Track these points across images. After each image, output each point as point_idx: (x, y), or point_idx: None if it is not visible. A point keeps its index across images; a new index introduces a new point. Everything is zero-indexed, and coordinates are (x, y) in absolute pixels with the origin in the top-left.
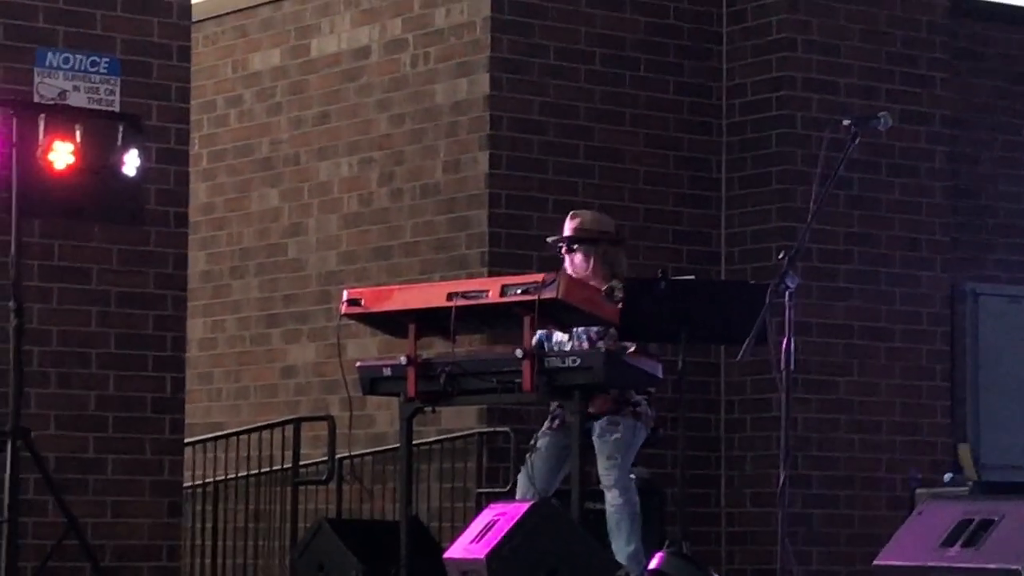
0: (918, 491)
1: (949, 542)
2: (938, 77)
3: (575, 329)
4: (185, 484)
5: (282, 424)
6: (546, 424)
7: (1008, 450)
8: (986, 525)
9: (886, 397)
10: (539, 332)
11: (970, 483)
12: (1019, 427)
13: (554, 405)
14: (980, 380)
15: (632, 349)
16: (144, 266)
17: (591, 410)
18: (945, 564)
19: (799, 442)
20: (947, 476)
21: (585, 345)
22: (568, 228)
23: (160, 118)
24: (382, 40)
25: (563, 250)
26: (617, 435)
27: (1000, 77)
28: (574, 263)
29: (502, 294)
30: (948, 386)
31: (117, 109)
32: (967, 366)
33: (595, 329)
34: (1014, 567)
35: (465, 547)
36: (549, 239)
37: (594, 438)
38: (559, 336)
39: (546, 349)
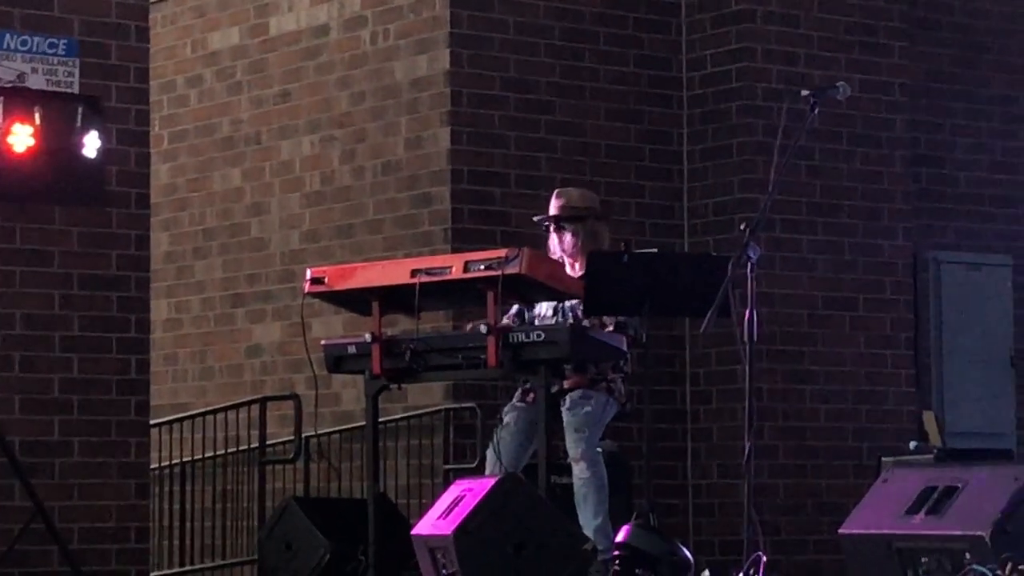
0: (883, 459)
1: (914, 509)
2: (897, 46)
3: (563, 304)
4: (152, 465)
5: (248, 404)
6: (515, 398)
7: (972, 417)
8: (950, 492)
9: (850, 366)
10: (516, 306)
11: (935, 450)
12: (983, 393)
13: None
14: (944, 347)
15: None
16: (106, 248)
17: (565, 384)
18: (910, 531)
19: (764, 413)
20: (912, 444)
21: (571, 321)
22: (555, 207)
23: (120, 99)
24: (341, 18)
25: (551, 228)
26: (588, 408)
27: (958, 45)
28: (563, 241)
29: (465, 270)
30: (912, 354)
31: (76, 91)
32: (930, 334)
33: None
34: (978, 533)
35: (432, 523)
36: (536, 218)
37: (564, 410)
38: (542, 309)
39: (526, 320)
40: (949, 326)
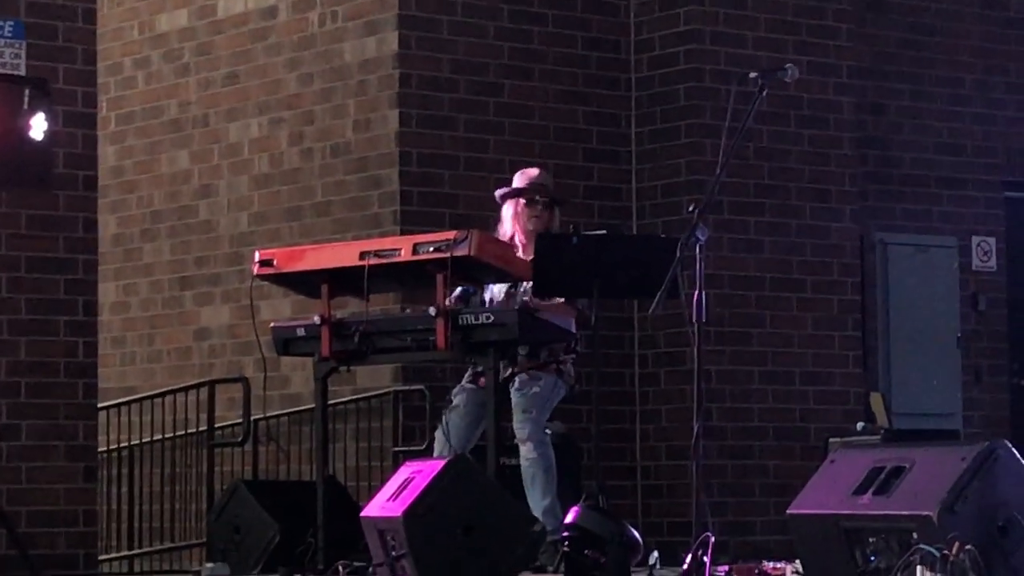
0: (831, 440)
1: (861, 490)
2: (844, 28)
3: (521, 287)
4: (100, 448)
5: (196, 387)
6: (464, 379)
7: (919, 398)
8: (897, 472)
9: (798, 348)
10: (460, 288)
11: (882, 431)
12: (929, 375)
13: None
14: (891, 329)
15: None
16: (54, 230)
17: (516, 370)
18: (857, 511)
19: (713, 394)
20: (859, 425)
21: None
22: (537, 180)
23: (67, 81)
24: None
25: (538, 203)
26: (536, 389)
27: (905, 28)
28: (539, 216)
29: (415, 252)
30: (859, 336)
31: (23, 73)
32: (877, 315)
33: None
34: (925, 513)
35: (382, 505)
36: (501, 191)
37: (512, 391)
38: (494, 292)
39: (473, 303)
40: (896, 307)
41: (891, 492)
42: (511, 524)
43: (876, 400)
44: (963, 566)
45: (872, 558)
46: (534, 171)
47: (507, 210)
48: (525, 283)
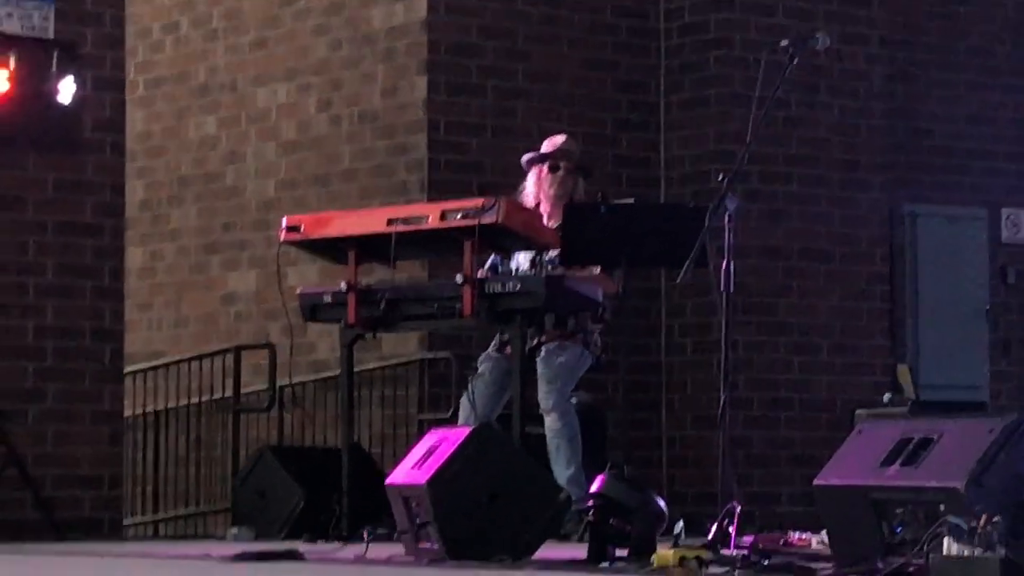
0: (857, 411)
1: (889, 461)
2: None
3: (541, 256)
4: (126, 413)
5: (223, 352)
6: (491, 348)
7: (946, 370)
8: (925, 444)
9: (825, 319)
10: (493, 256)
11: (909, 403)
12: (957, 347)
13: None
14: (918, 300)
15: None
16: (81, 195)
17: (543, 339)
18: (885, 483)
19: (739, 365)
20: (886, 396)
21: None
22: (560, 145)
23: (95, 45)
24: None
25: (550, 166)
26: (562, 359)
27: None
28: (558, 182)
29: (442, 219)
30: (887, 307)
31: (51, 36)
32: (906, 287)
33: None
34: (953, 485)
35: (407, 472)
36: (528, 157)
37: (538, 360)
38: (519, 262)
39: (500, 273)
40: (924, 279)
41: (919, 464)
42: (536, 493)
43: (903, 372)
44: (990, 538)
45: (898, 529)
46: (560, 138)
47: (531, 176)
48: (550, 252)
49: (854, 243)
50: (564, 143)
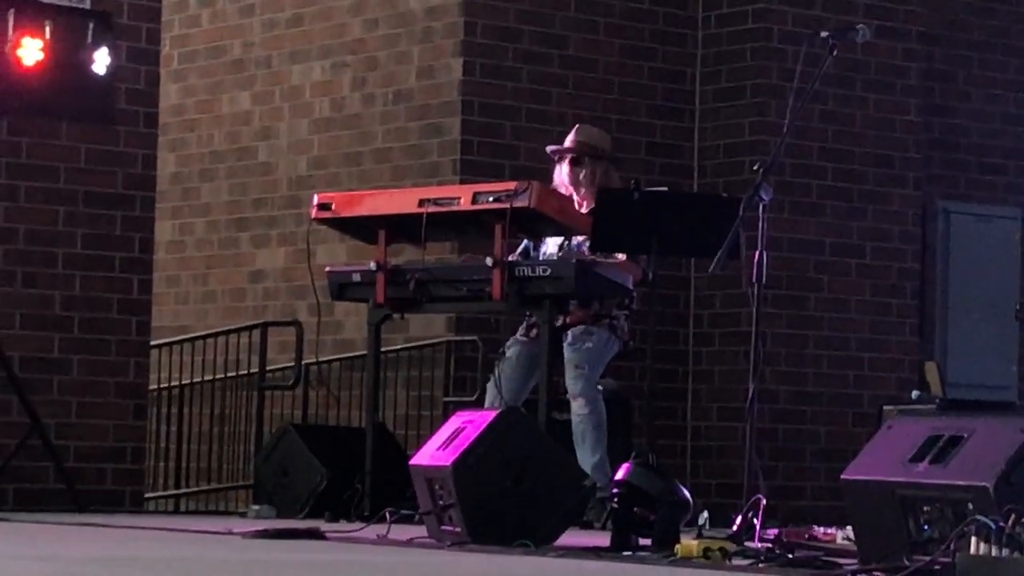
0: (885, 408)
1: (918, 458)
2: None
3: (572, 240)
4: (151, 387)
5: (249, 328)
6: (519, 332)
7: (975, 369)
8: (955, 442)
9: (855, 314)
10: (525, 241)
11: (937, 400)
12: (986, 346)
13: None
14: (949, 298)
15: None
16: (113, 166)
17: (568, 319)
18: (913, 479)
19: (767, 357)
20: (914, 393)
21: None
22: (575, 140)
23: (131, 17)
24: None
25: (565, 160)
26: (589, 345)
27: None
28: (577, 175)
29: (474, 201)
30: (917, 304)
31: (88, 6)
32: (936, 284)
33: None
34: (982, 484)
35: (432, 454)
36: (550, 148)
37: (565, 346)
38: (549, 247)
39: (531, 258)
40: (956, 277)
41: (948, 461)
42: (561, 478)
43: (931, 369)
44: (1019, 538)
45: (926, 527)
46: (573, 132)
47: (557, 168)
48: (577, 238)
49: (886, 239)
50: (576, 134)
